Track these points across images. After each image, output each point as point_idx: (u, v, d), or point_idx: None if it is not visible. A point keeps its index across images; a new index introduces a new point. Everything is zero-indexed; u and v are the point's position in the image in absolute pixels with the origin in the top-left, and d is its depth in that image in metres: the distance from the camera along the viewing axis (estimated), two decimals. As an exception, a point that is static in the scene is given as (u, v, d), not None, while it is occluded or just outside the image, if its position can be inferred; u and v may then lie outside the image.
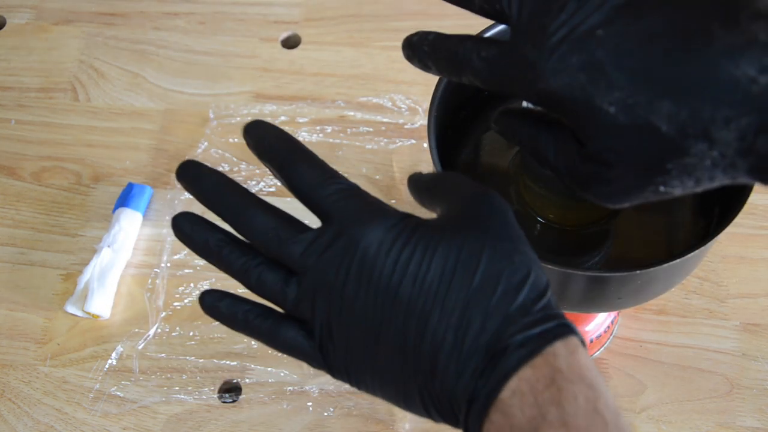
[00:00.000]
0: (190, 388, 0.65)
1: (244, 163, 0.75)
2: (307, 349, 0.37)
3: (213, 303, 0.39)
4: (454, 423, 0.35)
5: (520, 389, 0.32)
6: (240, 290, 0.39)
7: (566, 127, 0.38)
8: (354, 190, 0.38)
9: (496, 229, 0.36)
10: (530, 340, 0.33)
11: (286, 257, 0.37)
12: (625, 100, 0.33)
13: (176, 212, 0.73)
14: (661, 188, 0.35)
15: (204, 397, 0.65)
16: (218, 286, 0.69)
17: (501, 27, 0.53)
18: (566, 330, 0.34)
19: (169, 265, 0.70)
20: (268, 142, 0.39)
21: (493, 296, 0.34)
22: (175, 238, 0.72)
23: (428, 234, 0.36)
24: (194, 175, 0.40)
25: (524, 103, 0.48)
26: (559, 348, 0.33)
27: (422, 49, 0.41)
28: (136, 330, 0.68)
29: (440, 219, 0.37)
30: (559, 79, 0.35)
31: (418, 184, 0.41)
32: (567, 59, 0.34)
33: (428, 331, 0.34)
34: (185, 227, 0.40)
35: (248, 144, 0.40)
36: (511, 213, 0.38)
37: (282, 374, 0.65)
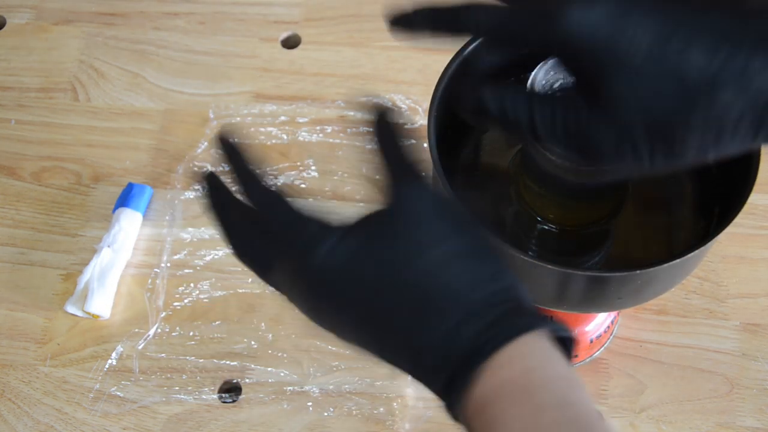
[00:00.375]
0: (190, 388, 0.65)
1: (244, 163, 0.75)
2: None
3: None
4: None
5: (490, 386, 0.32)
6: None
7: (567, 95, 0.36)
8: (297, 213, 0.38)
9: (442, 224, 0.36)
10: (489, 340, 0.33)
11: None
12: (654, 47, 0.32)
13: (176, 212, 0.74)
14: (678, 147, 0.34)
15: (204, 397, 0.65)
16: (218, 286, 0.69)
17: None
18: (531, 324, 0.33)
19: (169, 265, 0.70)
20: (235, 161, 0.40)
21: (450, 298, 0.34)
22: (176, 238, 0.73)
23: (378, 237, 0.36)
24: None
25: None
26: (523, 345, 0.32)
27: (418, 13, 0.39)
28: (136, 330, 0.68)
29: (382, 215, 0.37)
30: (584, 23, 0.33)
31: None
32: (593, 3, 0.33)
33: (388, 338, 0.35)
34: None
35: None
36: (443, 199, 0.37)
37: (282, 374, 0.65)
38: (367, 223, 0.37)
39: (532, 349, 0.33)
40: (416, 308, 0.34)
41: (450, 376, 0.33)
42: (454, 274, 0.34)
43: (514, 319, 0.33)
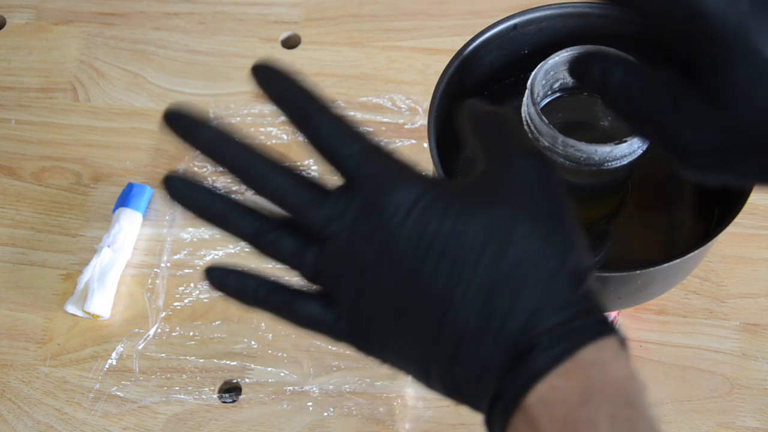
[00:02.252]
0: (190, 388, 0.65)
1: (244, 163, 0.75)
2: (326, 323, 0.35)
3: (220, 278, 0.36)
4: (475, 408, 0.33)
5: (550, 399, 0.30)
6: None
7: (670, 75, 0.33)
8: (378, 149, 0.35)
9: (538, 202, 0.33)
10: (562, 339, 0.30)
11: (308, 222, 0.35)
12: None
13: (176, 212, 0.74)
14: None
15: (204, 397, 0.65)
16: (218, 286, 0.69)
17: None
18: (604, 329, 0.31)
19: (169, 265, 0.70)
20: (280, 88, 0.36)
21: (523, 284, 0.31)
22: (176, 238, 0.72)
23: (459, 204, 0.33)
24: (190, 125, 0.36)
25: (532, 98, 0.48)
26: (595, 353, 0.30)
27: None
28: (136, 330, 0.68)
29: (475, 184, 0.34)
30: (717, 1, 0.30)
31: (467, 118, 0.37)
32: None
33: (450, 315, 0.32)
34: (182, 189, 0.36)
35: (258, 87, 0.36)
36: (557, 180, 0.34)
37: (282, 374, 0.65)
38: (458, 188, 0.34)
39: (611, 356, 0.31)
40: (487, 297, 0.32)
41: (511, 374, 0.31)
42: (533, 266, 0.32)
43: (587, 321, 0.31)
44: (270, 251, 0.36)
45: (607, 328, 0.32)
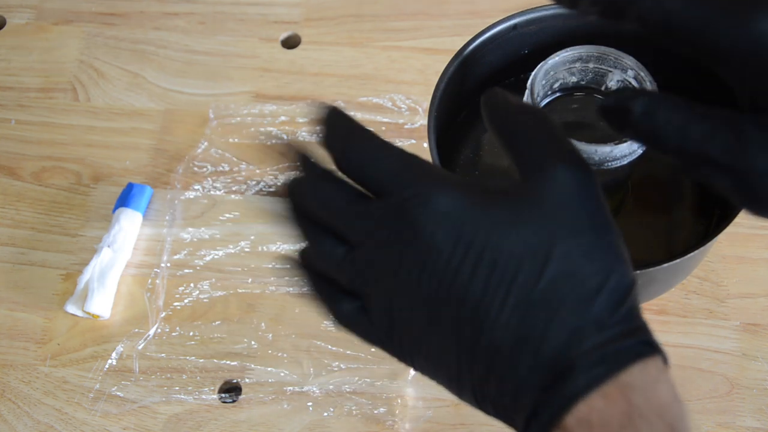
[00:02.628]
0: (190, 388, 0.65)
1: (244, 163, 0.75)
2: (361, 325, 0.35)
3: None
4: (508, 423, 0.33)
5: (589, 420, 0.29)
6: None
7: (725, 113, 0.32)
8: (412, 159, 0.35)
9: (580, 216, 0.32)
10: (602, 361, 0.30)
11: (343, 228, 0.35)
12: None
13: (176, 212, 0.74)
14: None
15: (204, 397, 0.65)
16: (218, 286, 0.69)
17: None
18: (647, 349, 0.31)
19: (169, 265, 0.70)
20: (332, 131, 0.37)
21: (563, 303, 0.30)
22: (176, 238, 0.73)
23: (497, 214, 0.32)
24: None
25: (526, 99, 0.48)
26: (638, 375, 0.30)
27: None
28: (136, 330, 0.68)
29: (514, 194, 0.33)
30: None
31: (494, 112, 0.36)
32: None
33: (485, 330, 0.31)
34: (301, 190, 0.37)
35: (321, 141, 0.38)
36: (598, 191, 0.33)
37: (282, 374, 0.65)
38: (495, 196, 0.33)
39: (653, 378, 0.31)
40: (527, 311, 0.31)
41: (548, 395, 0.30)
42: (573, 284, 0.31)
43: (630, 342, 0.31)
44: (317, 258, 0.36)
45: (651, 349, 0.31)
